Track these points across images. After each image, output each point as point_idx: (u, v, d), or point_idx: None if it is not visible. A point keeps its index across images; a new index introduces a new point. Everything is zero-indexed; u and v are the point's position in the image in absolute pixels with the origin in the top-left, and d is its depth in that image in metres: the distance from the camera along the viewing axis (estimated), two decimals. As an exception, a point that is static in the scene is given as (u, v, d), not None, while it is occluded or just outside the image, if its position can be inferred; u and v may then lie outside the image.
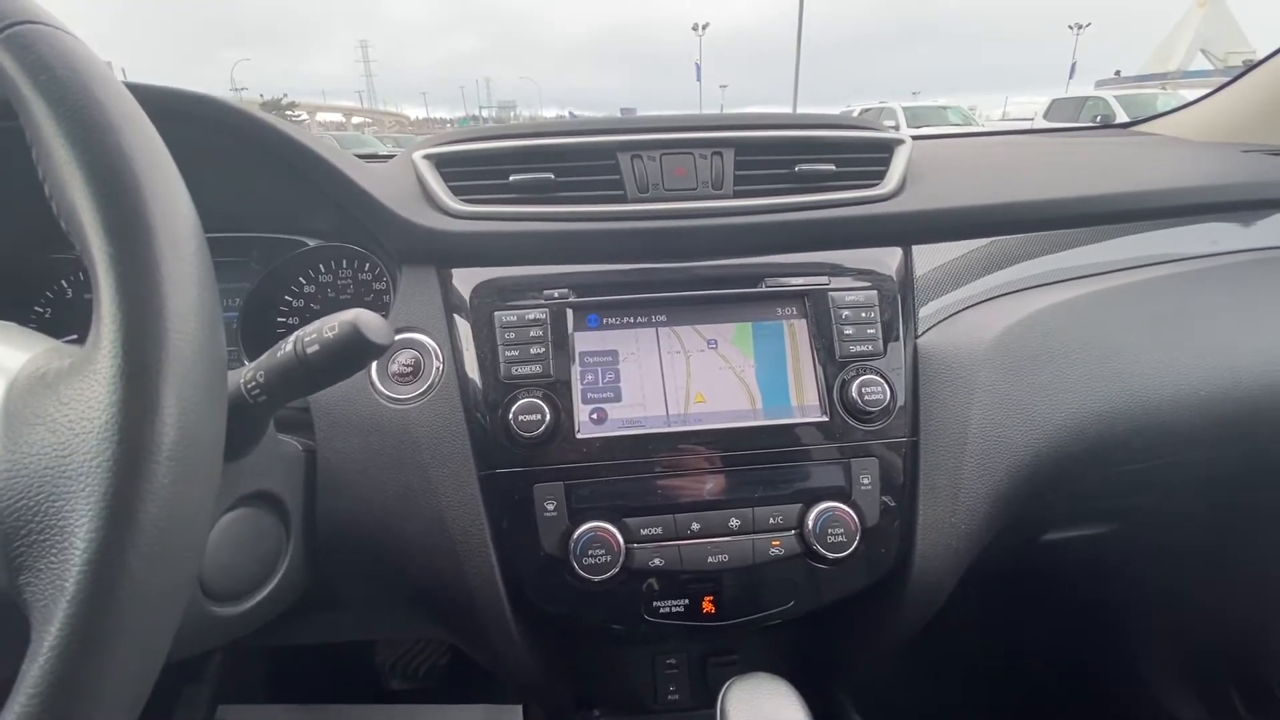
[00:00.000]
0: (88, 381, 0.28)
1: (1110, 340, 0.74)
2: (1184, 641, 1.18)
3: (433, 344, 0.67)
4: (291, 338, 0.48)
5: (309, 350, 0.46)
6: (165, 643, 0.31)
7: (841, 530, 0.64)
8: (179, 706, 1.11)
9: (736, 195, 0.71)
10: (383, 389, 0.67)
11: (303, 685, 1.29)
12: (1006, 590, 1.17)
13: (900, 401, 0.68)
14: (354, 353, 0.46)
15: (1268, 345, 0.75)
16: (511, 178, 0.69)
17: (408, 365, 0.67)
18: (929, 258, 0.77)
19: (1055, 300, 0.76)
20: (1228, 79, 1.18)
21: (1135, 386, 0.73)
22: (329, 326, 0.46)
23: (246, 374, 0.50)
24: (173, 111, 0.61)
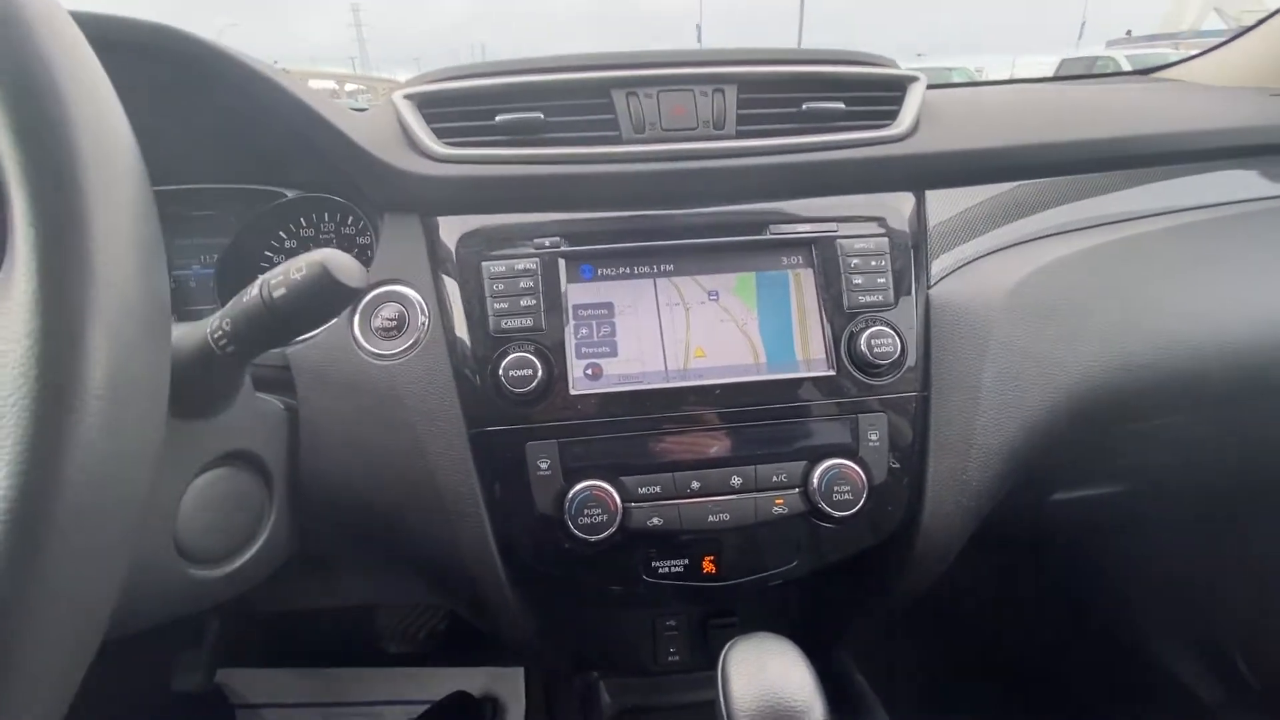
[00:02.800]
0: (1, 309, 0.25)
1: (1133, 289, 0.71)
2: (1192, 608, 1.17)
3: (418, 297, 0.64)
4: (257, 282, 0.44)
5: (275, 295, 0.43)
6: (101, 608, 0.28)
7: (848, 488, 0.61)
8: (178, 670, 1.10)
9: (739, 135, 0.66)
10: (366, 345, 0.63)
11: (302, 649, 1.29)
12: (1013, 551, 1.16)
13: (911, 355, 0.65)
14: (324, 296, 0.42)
15: None
16: (497, 118, 0.64)
17: (391, 320, 0.63)
18: (943, 206, 0.73)
19: (1075, 249, 0.72)
20: (1248, 25, 1.11)
21: (1158, 337, 0.69)
22: (296, 268, 0.42)
23: (213, 323, 0.47)
24: (127, 43, 0.57)
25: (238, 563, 0.56)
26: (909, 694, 0.87)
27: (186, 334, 0.48)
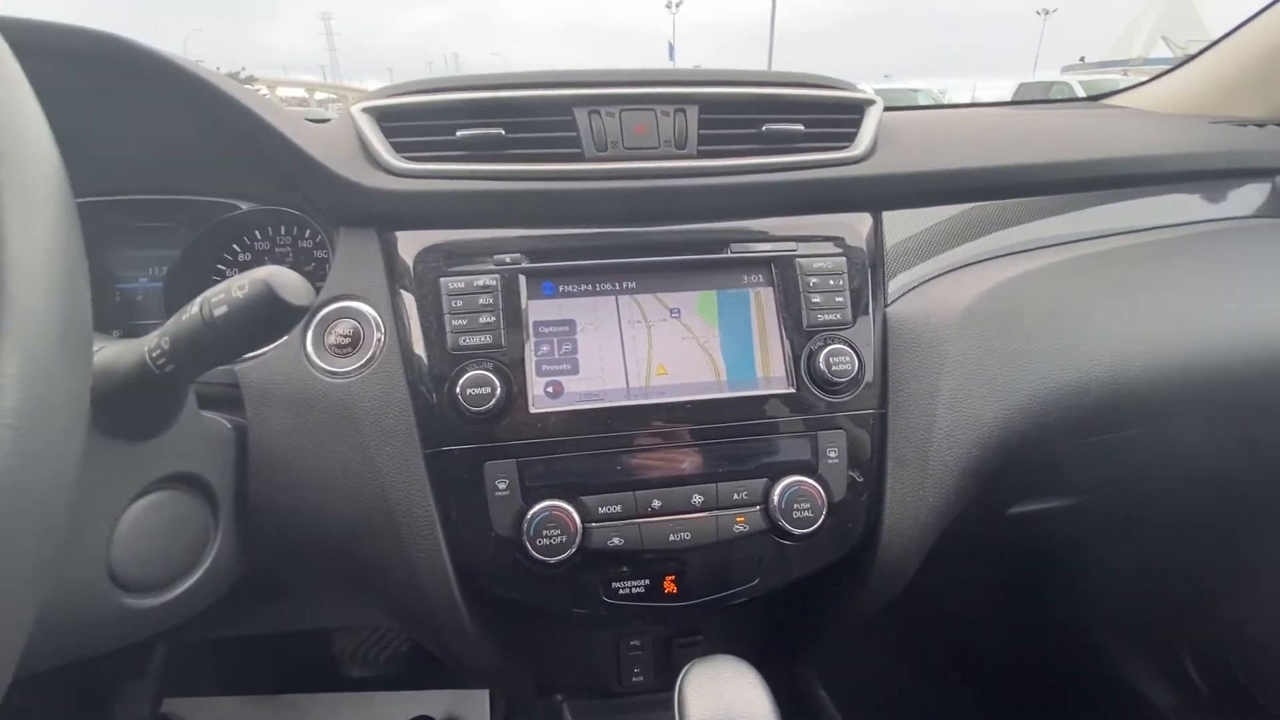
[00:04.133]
0: None
1: (1079, 309, 0.73)
2: (1145, 615, 1.20)
3: (373, 313, 0.62)
4: (198, 299, 0.43)
5: (216, 313, 0.41)
6: (12, 640, 0.26)
7: (808, 505, 0.61)
8: (121, 702, 1.05)
9: (701, 155, 0.67)
10: (319, 362, 0.62)
11: (256, 676, 1.24)
12: (972, 565, 1.18)
13: (869, 372, 0.66)
14: (268, 315, 0.41)
15: (1235, 314, 0.74)
16: (458, 133, 0.64)
17: (346, 336, 0.62)
18: (899, 227, 0.74)
19: (1025, 269, 0.74)
20: (1192, 54, 1.17)
21: (1104, 355, 0.71)
22: (239, 285, 0.41)
23: (151, 341, 0.45)
24: (69, 51, 0.55)
25: (178, 590, 0.54)
26: (872, 709, 0.87)
27: (123, 353, 0.46)
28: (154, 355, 0.44)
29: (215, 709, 1.20)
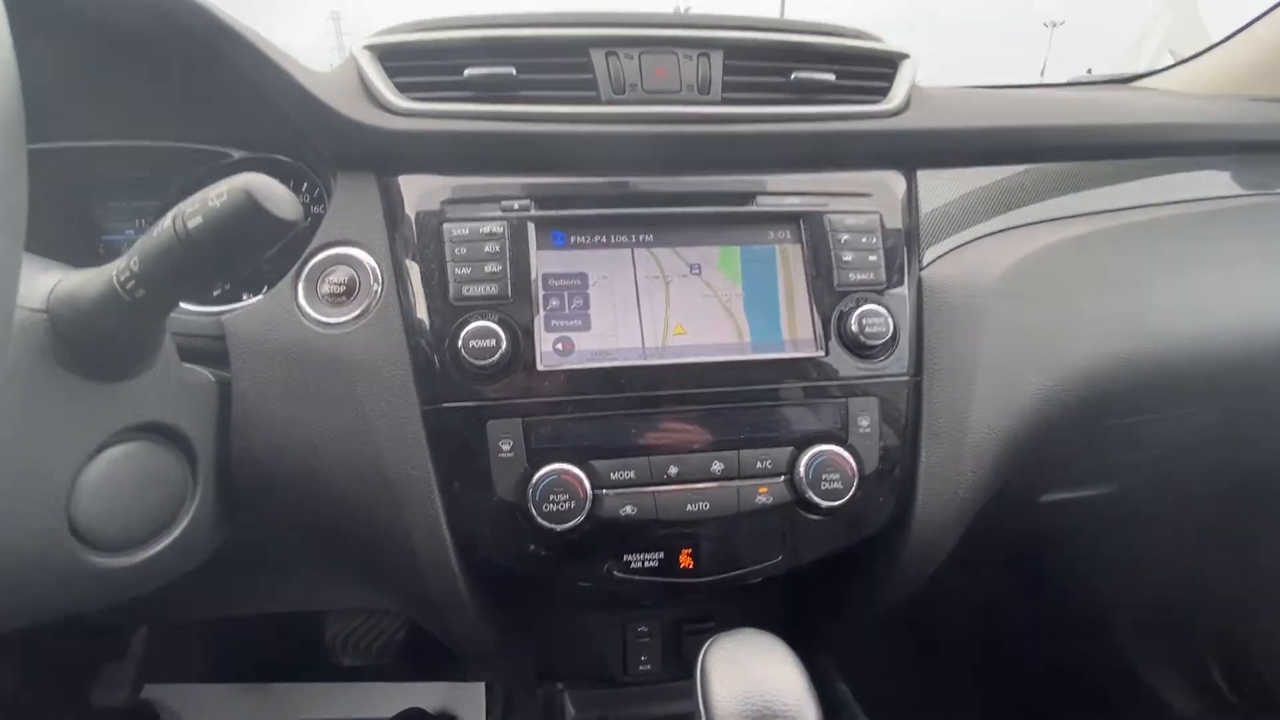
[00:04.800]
0: None
1: (1125, 279, 0.68)
2: (1171, 616, 1.15)
3: (370, 261, 0.58)
4: (170, 213, 0.38)
5: (190, 225, 0.37)
6: None
7: (837, 476, 0.57)
8: (98, 685, 1.00)
9: (725, 102, 0.62)
10: (311, 312, 0.57)
11: (243, 663, 1.19)
12: (995, 558, 1.13)
13: (904, 337, 0.61)
14: (248, 228, 0.37)
15: None
16: (466, 73, 0.59)
17: (340, 285, 0.58)
18: (933, 195, 0.70)
19: (1069, 235, 0.70)
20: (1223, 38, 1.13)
21: (1150, 329, 0.67)
22: (215, 194, 0.37)
23: (119, 264, 0.40)
24: None
25: (150, 551, 0.49)
26: (888, 703, 0.82)
27: (88, 279, 0.42)
28: (122, 279, 0.40)
29: (198, 697, 1.15)
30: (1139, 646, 1.20)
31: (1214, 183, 0.80)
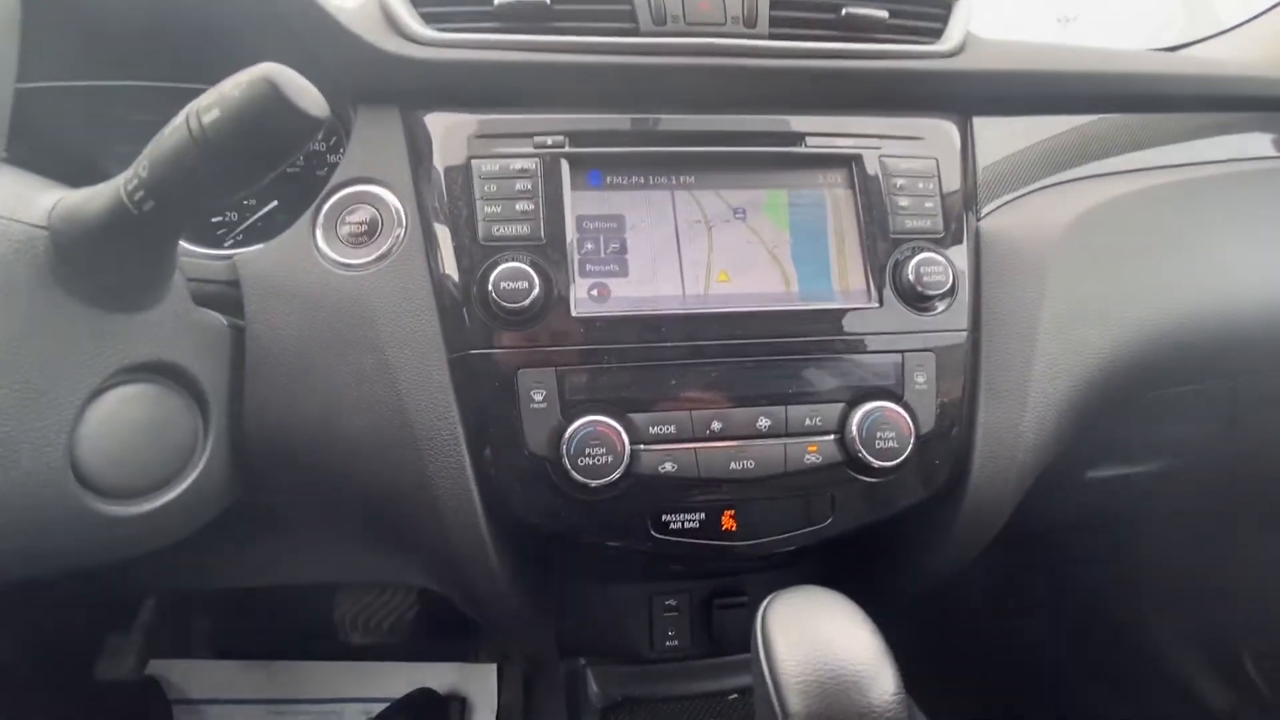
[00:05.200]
0: None
1: (1196, 235, 0.64)
2: (1202, 604, 1.11)
3: (394, 199, 0.54)
4: (184, 110, 0.34)
5: (206, 120, 0.33)
6: None
7: (892, 435, 0.53)
8: (103, 658, 0.97)
9: (771, 37, 0.58)
10: (330, 253, 0.54)
11: (252, 640, 1.16)
12: (1025, 542, 1.09)
13: (963, 289, 0.57)
14: (271, 123, 0.33)
15: None
16: (496, 1, 0.55)
17: (362, 224, 0.54)
18: (990, 147, 0.65)
19: (1133, 188, 0.66)
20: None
21: (1221, 287, 0.63)
22: (234, 84, 0.33)
23: (128, 172, 0.37)
24: None
25: (160, 501, 0.46)
26: (917, 685, 0.78)
27: (95, 193, 0.38)
28: (130, 188, 0.36)
29: (205, 673, 1.13)
30: (1170, 637, 1.16)
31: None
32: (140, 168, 0.35)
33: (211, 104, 0.33)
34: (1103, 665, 1.19)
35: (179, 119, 0.34)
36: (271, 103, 0.32)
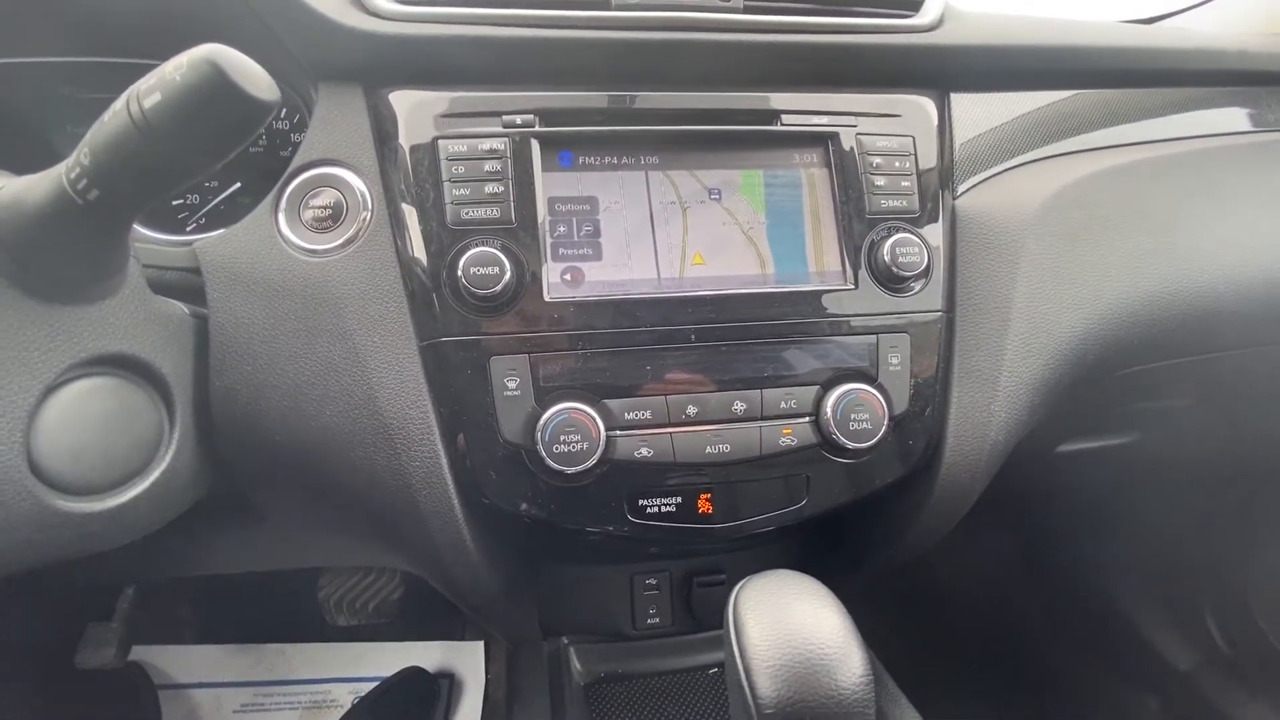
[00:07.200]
0: None
1: (1166, 212, 0.64)
2: (1170, 569, 1.15)
3: (358, 182, 0.53)
4: (124, 93, 0.33)
5: (147, 104, 0.31)
6: None
7: (866, 416, 0.53)
8: (84, 646, 0.97)
9: (746, 10, 0.57)
10: (294, 238, 0.52)
11: (236, 624, 1.16)
12: (1005, 508, 1.12)
13: (937, 270, 0.57)
14: (216, 108, 0.31)
15: None
16: None
17: (326, 208, 0.52)
18: (967, 124, 0.65)
19: (1107, 165, 0.65)
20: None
21: (1192, 265, 0.63)
22: (175, 66, 0.31)
23: (70, 160, 0.35)
24: None
25: (126, 496, 0.45)
26: (890, 658, 0.80)
27: (37, 181, 0.36)
28: (72, 177, 0.34)
29: (189, 658, 1.13)
30: (1139, 600, 1.20)
31: (1261, 118, 0.75)
32: (82, 155, 0.34)
33: (152, 87, 0.31)
34: (1071, 626, 1.24)
35: (119, 103, 0.32)
36: (215, 86, 0.30)
